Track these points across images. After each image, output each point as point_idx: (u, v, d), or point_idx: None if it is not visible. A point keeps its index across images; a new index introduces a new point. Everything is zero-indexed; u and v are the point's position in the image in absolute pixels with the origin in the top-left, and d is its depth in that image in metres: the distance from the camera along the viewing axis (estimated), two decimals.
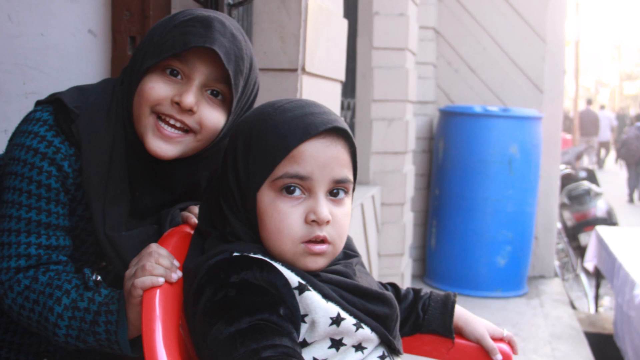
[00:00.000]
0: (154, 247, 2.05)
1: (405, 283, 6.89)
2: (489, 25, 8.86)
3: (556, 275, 9.13)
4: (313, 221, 1.90)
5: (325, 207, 1.91)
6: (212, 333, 1.78)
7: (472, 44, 8.93)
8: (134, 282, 1.97)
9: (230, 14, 3.20)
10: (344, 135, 1.95)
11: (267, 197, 1.90)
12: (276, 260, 1.91)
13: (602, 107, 35.05)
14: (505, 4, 8.78)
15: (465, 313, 2.36)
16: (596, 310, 8.90)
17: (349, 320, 1.92)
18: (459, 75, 8.99)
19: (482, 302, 7.66)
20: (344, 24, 4.29)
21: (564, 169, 13.05)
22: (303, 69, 3.48)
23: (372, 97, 6.54)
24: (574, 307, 8.59)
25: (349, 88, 6.13)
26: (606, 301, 9.50)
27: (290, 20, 3.45)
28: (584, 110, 30.35)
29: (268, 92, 3.24)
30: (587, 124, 29.27)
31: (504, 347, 2.30)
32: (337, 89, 4.24)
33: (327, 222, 1.92)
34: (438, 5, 8.90)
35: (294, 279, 1.88)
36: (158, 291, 1.94)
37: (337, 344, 1.91)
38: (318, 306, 1.88)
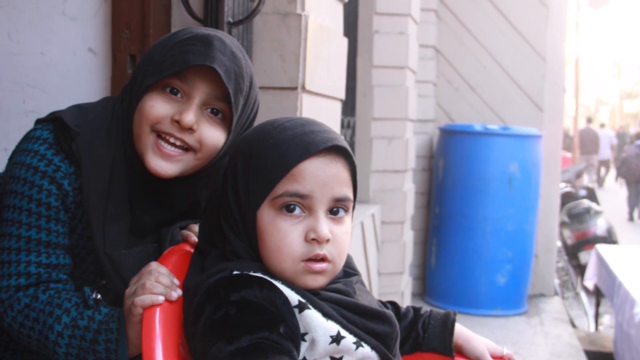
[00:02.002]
0: (154, 265, 2.06)
1: (405, 301, 6.89)
2: (489, 44, 8.88)
3: (556, 293, 9.14)
4: (313, 239, 1.90)
5: (325, 226, 1.91)
6: (212, 352, 1.78)
7: (472, 62, 8.95)
8: (134, 300, 1.98)
9: (230, 33, 3.22)
10: (344, 154, 1.96)
11: (267, 216, 1.90)
12: (276, 278, 1.91)
13: (602, 126, 35.02)
14: (506, 23, 8.80)
15: (466, 331, 2.36)
16: (596, 328, 8.91)
17: (349, 339, 1.91)
18: (459, 94, 9.01)
19: (482, 321, 7.66)
20: (343, 42, 4.31)
21: (564, 187, 13.07)
22: (303, 88, 3.50)
23: (372, 116, 6.56)
24: (574, 325, 8.60)
25: (349, 106, 6.14)
26: (606, 319, 9.50)
27: (290, 38, 3.47)
28: (584, 129, 30.31)
29: (268, 110, 3.24)
30: (587, 142, 29.24)
31: None
32: (337, 107, 4.26)
33: (327, 240, 1.92)
34: (438, 24, 8.93)
35: (294, 298, 1.88)
36: (158, 310, 1.95)
37: None
38: (318, 325, 1.88)
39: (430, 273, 8.57)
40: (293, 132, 1.94)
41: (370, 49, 6.55)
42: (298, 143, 1.91)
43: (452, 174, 8.23)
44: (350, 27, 6.02)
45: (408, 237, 7.09)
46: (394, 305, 2.34)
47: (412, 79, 7.11)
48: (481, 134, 8.07)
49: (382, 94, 6.58)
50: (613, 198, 25.88)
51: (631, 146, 23.00)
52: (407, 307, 2.38)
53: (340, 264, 1.99)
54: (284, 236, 1.89)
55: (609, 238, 10.85)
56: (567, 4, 9.02)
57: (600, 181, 32.17)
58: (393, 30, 6.60)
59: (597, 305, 8.80)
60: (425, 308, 2.37)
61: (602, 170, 33.07)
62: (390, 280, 6.50)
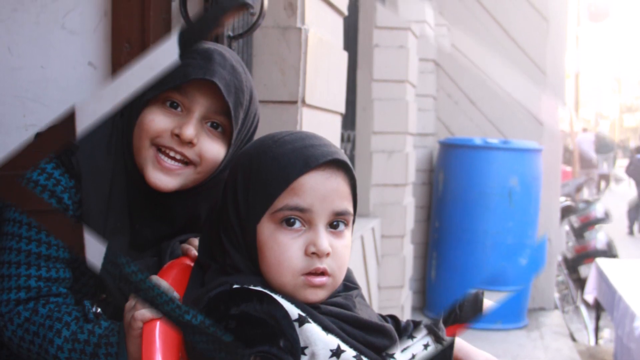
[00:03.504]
0: (153, 279, 2.04)
1: (405, 315, 6.91)
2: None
3: (556, 307, 9.18)
4: (313, 253, 1.90)
5: (325, 239, 1.90)
6: None
7: (472, 76, 8.96)
8: (134, 314, 1.99)
9: (230, 47, 3.23)
10: (343, 168, 1.95)
11: (267, 230, 1.91)
12: (276, 292, 1.91)
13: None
14: (505, 35, 8.85)
15: (466, 345, 2.35)
16: (596, 342, 8.92)
17: (349, 353, 1.90)
18: (459, 108, 9.05)
19: (482, 335, 7.64)
20: (344, 56, 4.36)
21: (564, 201, 13.08)
22: (303, 102, 3.53)
23: (372, 130, 6.60)
24: (574, 339, 8.61)
25: (349, 120, 6.17)
26: (606, 333, 9.50)
27: (290, 53, 3.50)
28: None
29: (268, 124, 3.25)
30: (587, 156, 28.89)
31: None
32: (337, 121, 4.29)
33: (327, 254, 1.92)
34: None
35: (293, 311, 1.88)
36: (158, 323, 1.96)
37: None
38: (318, 338, 1.88)
39: (430, 287, 8.61)
40: (293, 146, 1.94)
41: (370, 62, 6.59)
42: (298, 157, 1.91)
43: (452, 188, 8.27)
44: (350, 41, 6.05)
45: (408, 250, 7.13)
46: (394, 319, 2.31)
47: (412, 92, 7.17)
48: (481, 148, 8.11)
49: (382, 108, 6.62)
50: (613, 212, 25.62)
51: (632, 159, 22.65)
52: (407, 321, 2.35)
53: (340, 277, 1.99)
54: (284, 250, 1.89)
55: (609, 252, 10.86)
56: (567, 18, 9.07)
57: (599, 195, 32.01)
58: (393, 44, 6.65)
59: (597, 319, 8.80)
60: (425, 321, 2.32)
61: (602, 184, 32.93)
62: (390, 294, 6.53)
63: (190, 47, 2.23)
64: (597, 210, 11.21)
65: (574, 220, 11.21)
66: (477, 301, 2.34)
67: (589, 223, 10.93)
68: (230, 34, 3.27)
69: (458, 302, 2.34)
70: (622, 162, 30.51)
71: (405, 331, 2.31)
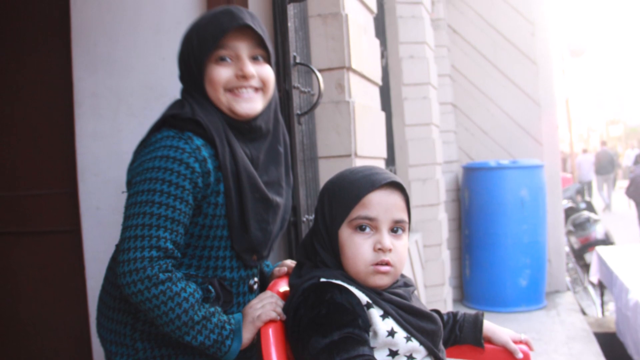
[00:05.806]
0: (270, 293, 2.21)
1: (448, 307, 6.90)
2: (494, 97, 8.99)
3: (568, 289, 9.05)
4: (379, 249, 2.08)
5: (388, 239, 2.08)
6: (311, 343, 1.94)
7: (483, 112, 9.05)
8: (260, 313, 2.11)
9: (299, 121, 3.33)
10: (399, 188, 2.15)
11: (345, 234, 2.11)
12: (352, 282, 2.08)
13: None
14: (505, 79, 8.89)
15: (492, 326, 2.46)
16: (602, 314, 8.86)
17: (401, 334, 2.04)
18: (475, 138, 9.10)
19: (510, 317, 7.70)
20: (381, 115, 4.39)
21: (567, 203, 13.03)
22: (355, 154, 3.60)
23: (409, 163, 6.66)
24: (584, 313, 8.52)
25: (390, 157, 6.24)
26: (611, 306, 9.45)
27: (343, 119, 3.57)
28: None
29: (332, 174, 3.38)
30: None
31: (523, 347, 2.41)
32: (382, 163, 4.35)
33: (390, 250, 2.09)
34: (453, 85, 9.04)
35: (363, 298, 2.04)
36: (273, 325, 2.11)
37: (393, 353, 2.02)
38: (378, 320, 2.02)
39: (465, 282, 8.61)
40: (363, 173, 2.14)
41: (402, 112, 6.65)
42: (367, 180, 2.10)
43: (476, 202, 8.28)
44: (385, 97, 6.13)
45: (445, 255, 7.14)
46: (437, 313, 2.40)
47: (436, 131, 7.19)
48: (495, 168, 8.14)
49: (415, 146, 6.66)
50: (620, 221, 21.15)
51: (637, 166, 18.52)
52: (448, 314, 2.48)
53: (400, 268, 2.14)
54: (358, 247, 2.08)
55: (607, 240, 10.79)
56: (552, 59, 9.04)
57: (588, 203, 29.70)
58: (418, 96, 6.70)
59: (602, 295, 8.73)
60: (461, 313, 2.49)
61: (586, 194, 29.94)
62: (434, 291, 6.55)
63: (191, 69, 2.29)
64: (597, 232, 11.03)
65: (574, 241, 11.13)
66: (477, 322, 2.44)
67: (589, 244, 10.69)
68: (299, 111, 3.36)
69: (458, 323, 2.46)
70: (623, 184, 27.90)
71: (447, 323, 2.46)
